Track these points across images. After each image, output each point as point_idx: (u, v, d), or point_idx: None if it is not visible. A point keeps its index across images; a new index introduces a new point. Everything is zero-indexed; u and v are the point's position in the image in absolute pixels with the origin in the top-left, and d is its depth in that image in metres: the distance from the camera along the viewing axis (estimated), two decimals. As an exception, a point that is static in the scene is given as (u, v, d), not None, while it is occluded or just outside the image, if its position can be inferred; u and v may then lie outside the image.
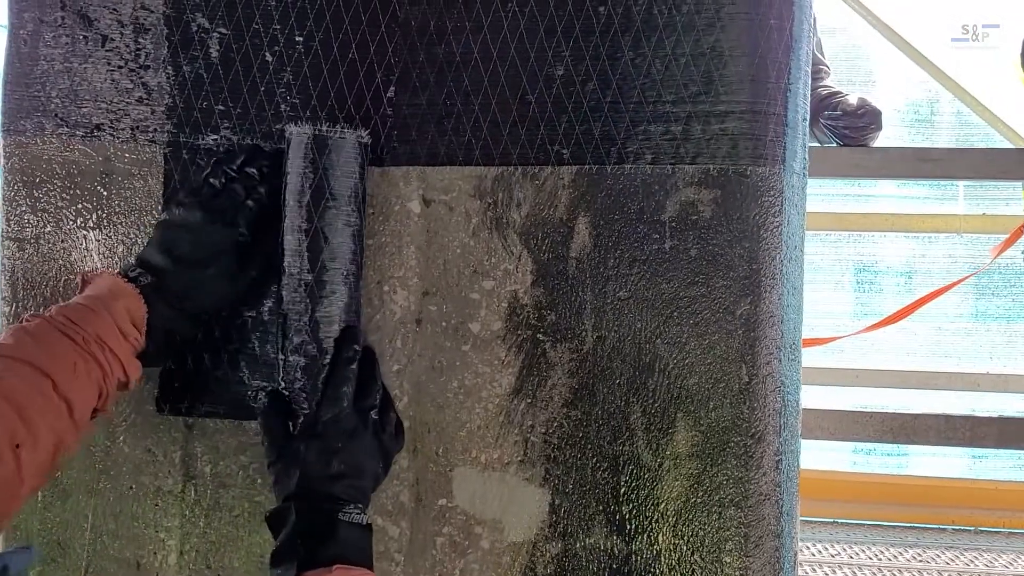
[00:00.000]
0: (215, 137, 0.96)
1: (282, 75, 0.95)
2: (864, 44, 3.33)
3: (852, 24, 3.30)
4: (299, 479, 0.84)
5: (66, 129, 0.97)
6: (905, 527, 2.94)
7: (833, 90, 1.93)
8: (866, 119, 1.72)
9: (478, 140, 0.93)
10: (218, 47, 0.96)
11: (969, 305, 3.33)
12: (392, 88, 0.94)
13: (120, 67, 0.97)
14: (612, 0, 0.91)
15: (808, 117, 0.97)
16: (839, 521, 3.04)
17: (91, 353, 0.81)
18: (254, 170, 0.91)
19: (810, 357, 3.17)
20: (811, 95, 1.94)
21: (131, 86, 0.97)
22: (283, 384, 0.88)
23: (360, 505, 0.85)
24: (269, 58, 0.95)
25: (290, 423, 0.88)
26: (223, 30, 0.95)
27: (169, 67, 0.96)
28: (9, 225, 0.98)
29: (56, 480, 0.97)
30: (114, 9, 0.97)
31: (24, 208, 0.98)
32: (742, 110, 0.90)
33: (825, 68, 2.07)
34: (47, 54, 0.98)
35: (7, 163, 0.98)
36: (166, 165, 0.96)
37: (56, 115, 0.98)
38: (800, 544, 2.77)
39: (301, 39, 0.95)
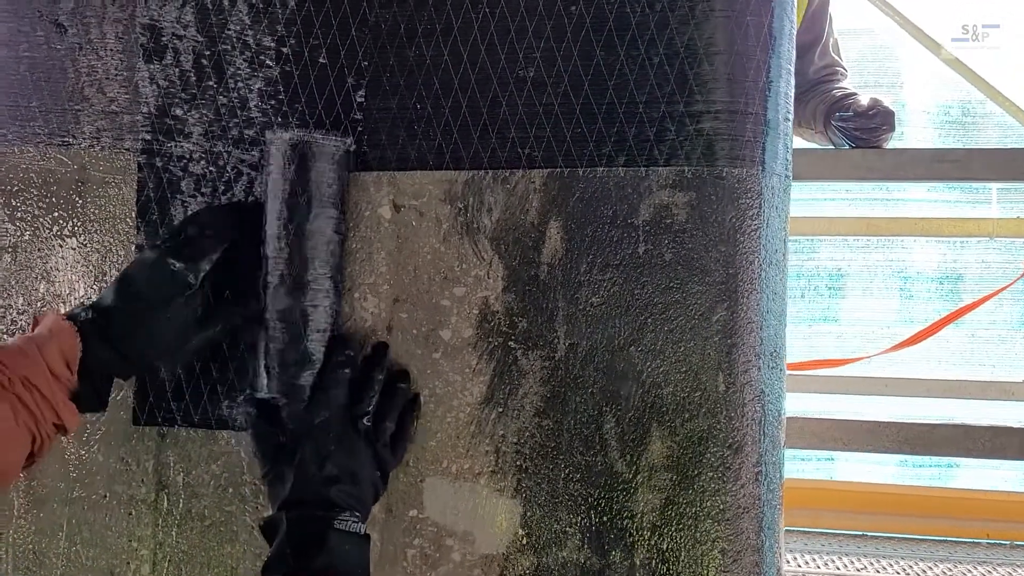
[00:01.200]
0: (187, 144, 0.95)
1: (253, 81, 0.94)
2: (892, 45, 3.26)
3: (879, 25, 3.23)
4: (293, 483, 0.83)
5: (42, 138, 0.98)
6: (936, 540, 2.85)
7: (848, 91, 1.88)
8: (878, 119, 1.67)
9: (448, 144, 0.91)
10: (191, 54, 0.95)
11: (1004, 312, 3.23)
12: (362, 92, 0.93)
13: (94, 75, 0.97)
14: (584, 0, 0.89)
15: (791, 117, 0.93)
16: (867, 534, 2.96)
17: (16, 395, 0.78)
18: (228, 227, 0.89)
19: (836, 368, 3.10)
20: (825, 96, 1.91)
21: (105, 94, 0.97)
22: (268, 392, 0.87)
23: (358, 514, 0.83)
24: (240, 64, 0.94)
25: (279, 433, 0.87)
26: (197, 37, 0.95)
27: (143, 74, 0.96)
28: (-13, 234, 0.99)
29: (31, 488, 0.97)
30: (87, 18, 0.97)
31: (2, 217, 0.99)
32: (717, 110, 0.87)
33: (841, 70, 2.02)
34: (24, 63, 0.98)
35: (-15, 172, 0.99)
36: (139, 173, 0.96)
37: (32, 124, 0.98)
38: (825, 558, 2.69)
39: (272, 44, 0.94)
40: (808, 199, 3.22)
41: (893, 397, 3.10)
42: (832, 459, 3.21)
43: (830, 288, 3.24)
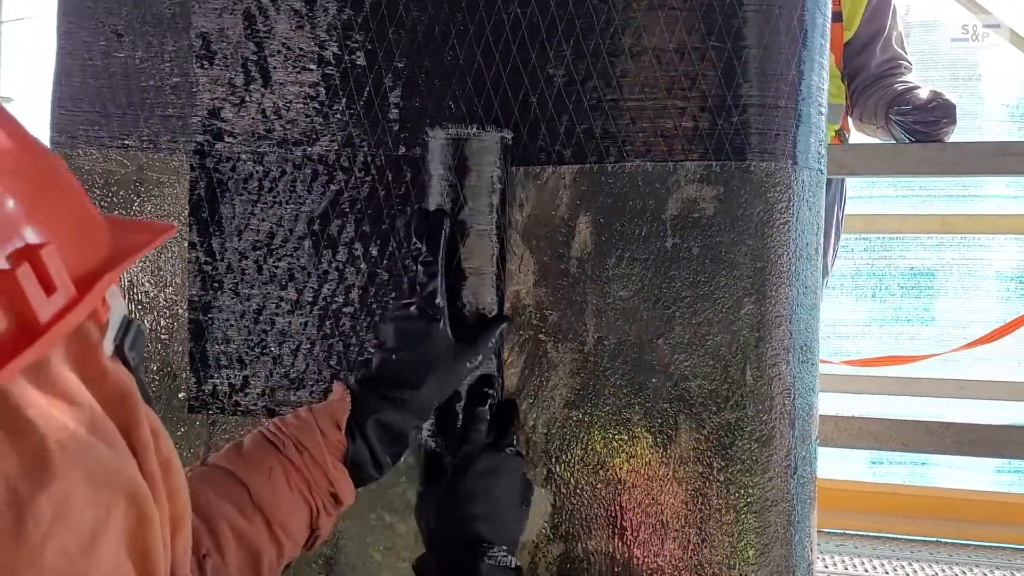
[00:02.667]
0: (221, 145, 1.00)
1: (295, 85, 0.98)
2: (952, 36, 3.15)
3: (955, 17, 3.13)
4: (439, 519, 0.84)
5: (104, 140, 1.04)
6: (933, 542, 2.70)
7: (909, 85, 1.84)
8: (937, 112, 1.62)
9: (481, 141, 0.94)
10: (239, 60, 1.00)
11: (1092, 311, 3.09)
12: (398, 92, 0.96)
13: (150, 81, 1.02)
14: (613, -3, 0.90)
15: (824, 111, 0.93)
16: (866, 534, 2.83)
17: (288, 458, 0.78)
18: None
19: (908, 369, 3.01)
20: (887, 91, 1.87)
21: (160, 98, 1.02)
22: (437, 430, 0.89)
23: (505, 547, 0.82)
24: (285, 68, 0.99)
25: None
26: (246, 44, 1.00)
27: (196, 80, 1.01)
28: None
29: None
30: (142, 24, 1.02)
31: (69, 215, 1.05)
32: (746, 104, 0.88)
33: (905, 63, 1.97)
34: (88, 71, 1.04)
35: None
36: (191, 172, 1.01)
37: (95, 127, 1.04)
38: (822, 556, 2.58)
39: (315, 48, 0.98)
40: (880, 196, 3.14)
41: (970, 400, 3.00)
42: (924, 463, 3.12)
43: (902, 288, 3.15)
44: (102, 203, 1.04)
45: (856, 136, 2.05)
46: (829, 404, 2.92)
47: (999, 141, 1.67)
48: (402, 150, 0.96)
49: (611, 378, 0.90)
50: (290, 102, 0.99)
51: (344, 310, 0.97)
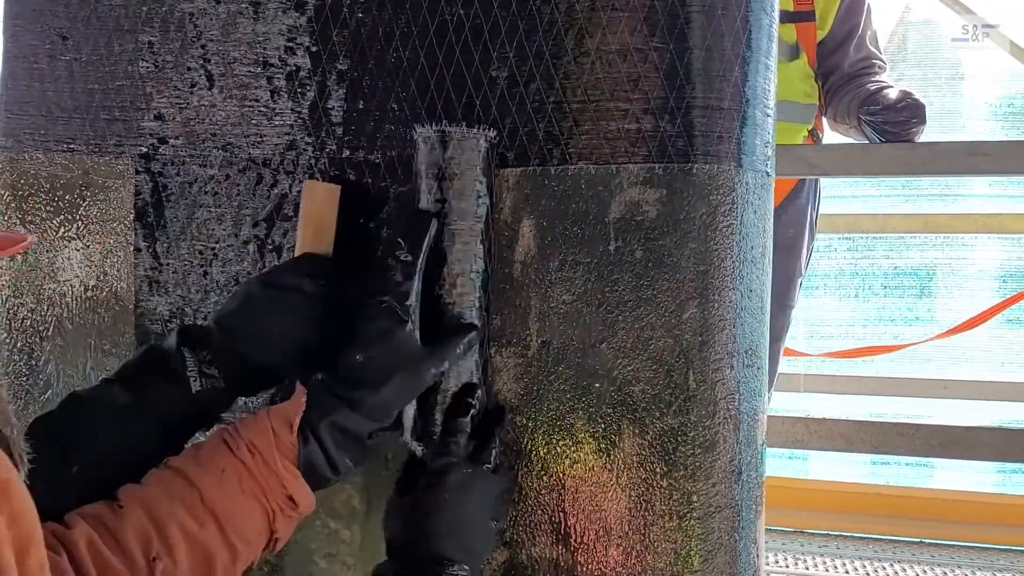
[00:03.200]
0: (165, 148, 0.99)
1: (250, 85, 0.97)
2: (951, 36, 3.15)
3: (938, 16, 3.12)
4: (404, 531, 0.82)
5: (50, 144, 1.03)
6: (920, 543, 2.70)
7: (881, 84, 1.83)
8: (906, 112, 1.62)
9: (424, 144, 0.93)
10: (184, 62, 0.99)
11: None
12: (342, 94, 0.95)
13: (96, 83, 1.01)
14: (555, -2, 0.90)
15: (771, 113, 0.92)
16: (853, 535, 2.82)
17: (242, 460, 0.76)
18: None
19: (892, 366, 3.01)
20: (859, 91, 1.86)
21: (107, 102, 1.01)
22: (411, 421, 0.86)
23: (467, 566, 0.80)
24: (244, 65, 0.98)
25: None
26: (195, 48, 0.99)
27: (141, 83, 1.00)
28: (-1, 236, 1.04)
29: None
30: (87, 27, 1.01)
31: (14, 220, 1.04)
32: (688, 105, 0.87)
33: (879, 63, 1.96)
34: (33, 74, 1.03)
35: (1, 177, 1.05)
36: (136, 176, 1.00)
37: (40, 131, 1.03)
38: (814, 560, 2.57)
39: (276, 51, 0.97)
40: (863, 195, 3.14)
41: (954, 400, 3.00)
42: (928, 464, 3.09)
43: (885, 287, 3.15)
44: (47, 207, 1.03)
45: (830, 136, 2.04)
46: (811, 404, 2.92)
47: (969, 141, 1.66)
48: (346, 153, 0.95)
49: (554, 383, 0.89)
50: (234, 105, 0.98)
51: (289, 315, 0.96)
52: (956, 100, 3.12)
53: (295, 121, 0.96)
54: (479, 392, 0.88)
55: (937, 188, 3.05)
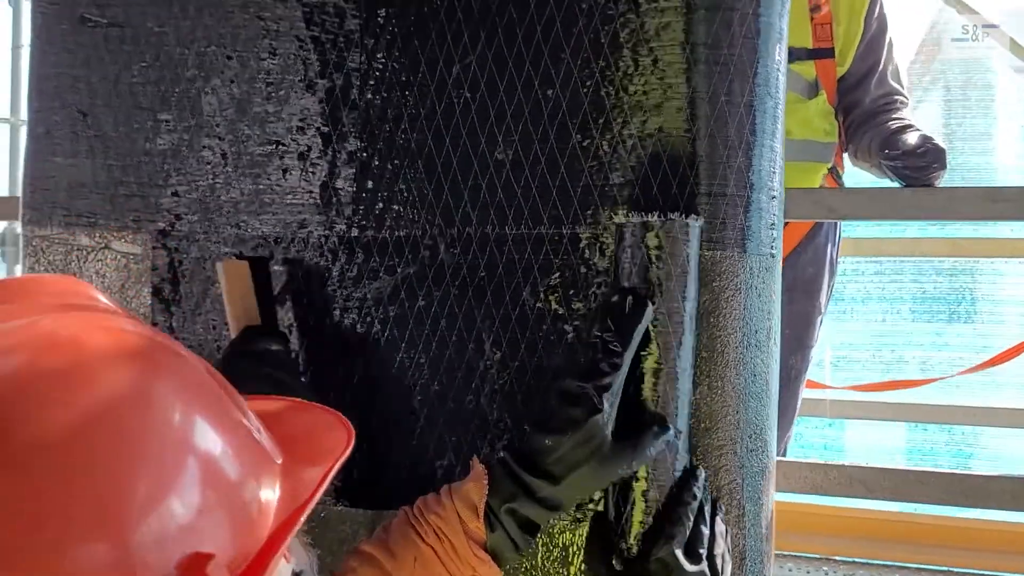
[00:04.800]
0: (183, 224, 1.01)
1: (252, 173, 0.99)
2: (984, 57, 3.11)
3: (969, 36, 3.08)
4: None
5: (71, 219, 1.06)
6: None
7: (903, 123, 1.81)
8: (928, 158, 1.60)
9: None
10: (196, 142, 1.01)
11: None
12: (351, 173, 0.97)
13: (114, 159, 1.04)
14: (560, 83, 0.90)
15: (777, 194, 0.92)
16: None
17: (431, 547, 0.75)
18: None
19: (920, 391, 2.96)
20: (880, 129, 1.85)
21: (125, 177, 1.04)
22: (612, 511, 0.84)
23: None
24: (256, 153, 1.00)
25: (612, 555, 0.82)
26: (211, 127, 1.01)
27: (159, 162, 1.03)
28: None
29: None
30: (107, 103, 1.04)
31: (37, 291, 1.07)
32: (691, 192, 0.87)
33: (901, 98, 1.94)
34: (56, 150, 1.06)
35: (27, 249, 1.08)
36: (153, 251, 1.03)
37: (62, 207, 1.06)
38: None
39: (284, 132, 0.99)
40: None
41: (982, 428, 2.95)
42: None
43: (913, 312, 3.11)
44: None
45: (851, 172, 2.03)
46: (835, 434, 2.90)
47: (988, 187, 1.63)
48: (355, 232, 0.97)
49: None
50: (247, 183, 1.00)
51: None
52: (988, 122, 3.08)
53: (306, 200, 0.98)
54: (702, 476, 0.84)
55: (967, 212, 3.01)
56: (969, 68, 3.16)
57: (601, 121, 0.89)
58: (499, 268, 0.93)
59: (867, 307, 3.15)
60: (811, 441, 2.91)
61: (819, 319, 1.99)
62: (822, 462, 1.77)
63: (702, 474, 0.84)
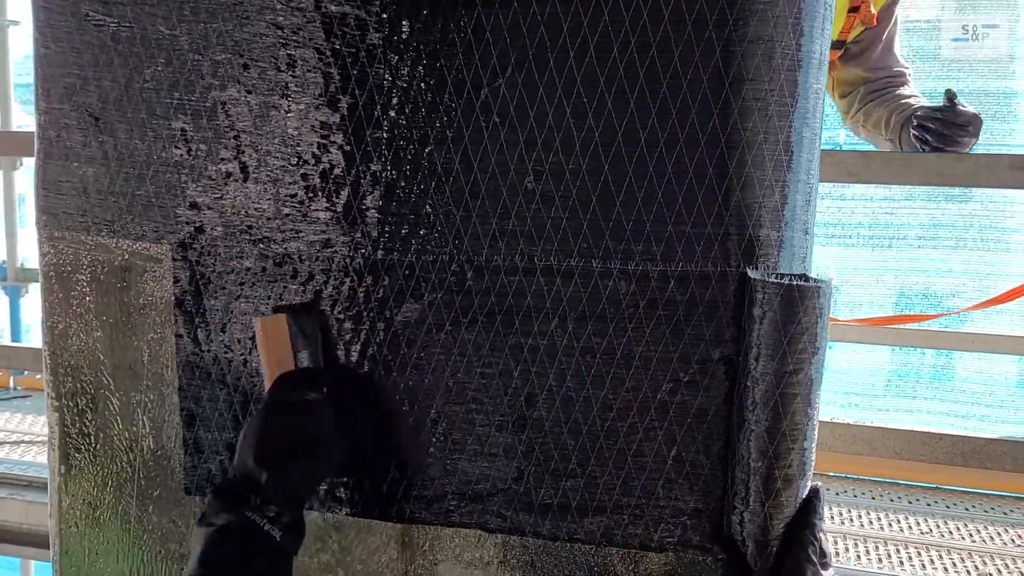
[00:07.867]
0: (204, 236, 1.00)
1: (281, 182, 0.97)
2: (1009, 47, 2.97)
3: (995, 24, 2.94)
4: None
5: (91, 227, 1.04)
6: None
7: (920, 97, 1.80)
8: (964, 118, 1.57)
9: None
10: (219, 153, 0.98)
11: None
12: (377, 195, 0.95)
13: (130, 166, 1.01)
14: (593, 113, 0.88)
15: (809, 230, 0.90)
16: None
17: None
18: None
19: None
20: (897, 104, 1.80)
21: (142, 187, 1.01)
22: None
23: None
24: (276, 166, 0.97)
25: None
26: (231, 139, 0.98)
27: (178, 175, 1.00)
28: (47, 315, 1.07)
29: (101, 539, 1.09)
30: (118, 108, 1.00)
31: (58, 295, 1.06)
32: (726, 232, 0.86)
33: (909, 72, 1.91)
34: (69, 154, 1.03)
35: (43, 258, 1.06)
36: (174, 264, 1.02)
37: (81, 214, 1.04)
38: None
39: (310, 148, 0.96)
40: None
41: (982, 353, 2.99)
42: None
43: (919, 238, 3.10)
44: (90, 288, 1.05)
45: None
46: (833, 356, 2.92)
47: (1015, 154, 1.61)
48: (380, 254, 0.96)
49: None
50: (269, 199, 0.98)
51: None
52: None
53: (330, 219, 0.96)
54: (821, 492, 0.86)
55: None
56: None
57: (636, 155, 0.87)
58: (527, 299, 0.92)
59: (873, 232, 3.14)
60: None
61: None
62: (828, 420, 1.82)
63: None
